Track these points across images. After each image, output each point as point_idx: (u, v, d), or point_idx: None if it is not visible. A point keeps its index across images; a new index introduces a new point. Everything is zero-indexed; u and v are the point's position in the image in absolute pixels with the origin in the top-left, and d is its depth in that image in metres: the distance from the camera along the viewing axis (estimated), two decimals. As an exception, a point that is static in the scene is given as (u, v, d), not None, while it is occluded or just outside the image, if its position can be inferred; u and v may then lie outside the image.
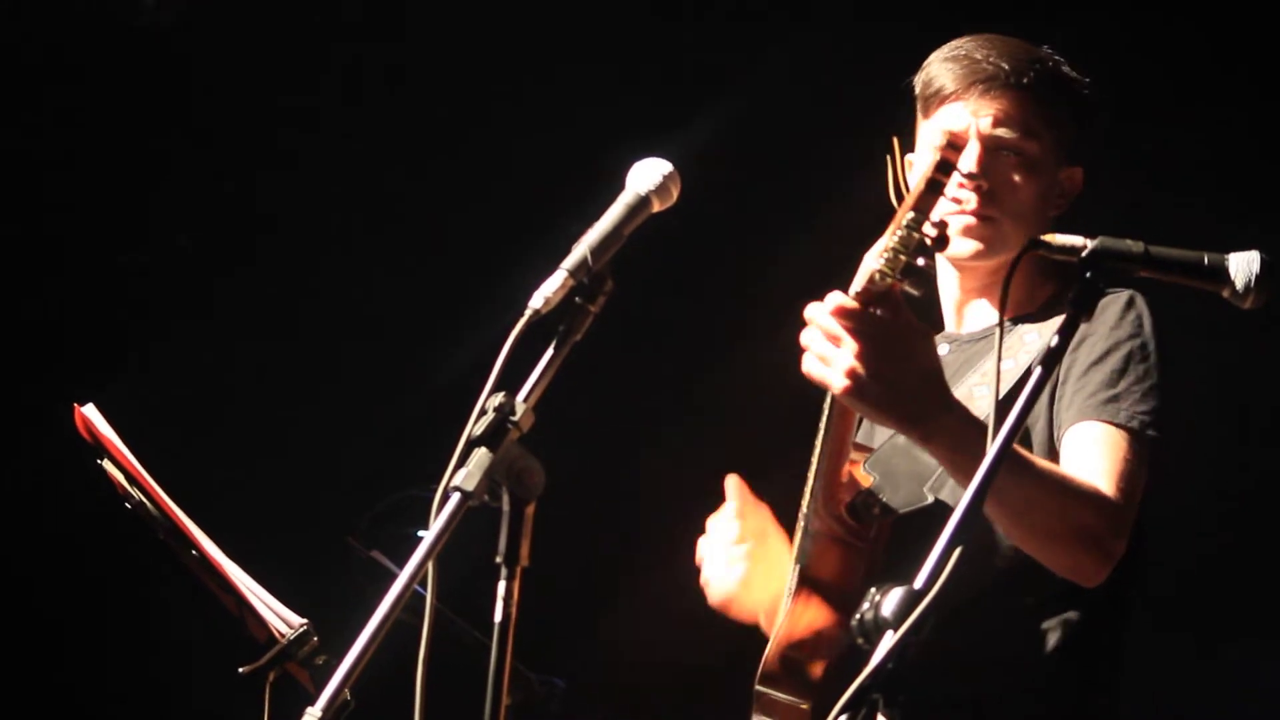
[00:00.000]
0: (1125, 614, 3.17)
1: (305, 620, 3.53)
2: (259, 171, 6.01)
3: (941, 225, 2.58)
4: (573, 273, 2.70)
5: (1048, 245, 2.58)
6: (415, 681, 2.62)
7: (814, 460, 3.07)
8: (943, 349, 3.30)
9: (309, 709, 2.49)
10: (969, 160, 3.15)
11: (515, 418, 2.59)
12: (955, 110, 3.21)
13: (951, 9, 4.02)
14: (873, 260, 2.57)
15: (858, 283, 2.60)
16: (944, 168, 2.60)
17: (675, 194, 2.86)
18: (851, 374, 2.60)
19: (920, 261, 2.54)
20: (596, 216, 2.77)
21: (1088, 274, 2.54)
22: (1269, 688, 5.21)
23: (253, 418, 6.04)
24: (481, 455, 2.57)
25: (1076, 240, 2.57)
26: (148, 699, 5.94)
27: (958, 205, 3.15)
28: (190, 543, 3.52)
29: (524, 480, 2.61)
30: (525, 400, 2.62)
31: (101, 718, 6.06)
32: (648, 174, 2.84)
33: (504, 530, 2.62)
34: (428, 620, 2.62)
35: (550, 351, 2.69)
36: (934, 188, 2.58)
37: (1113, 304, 3.10)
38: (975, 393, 3.11)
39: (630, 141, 3.22)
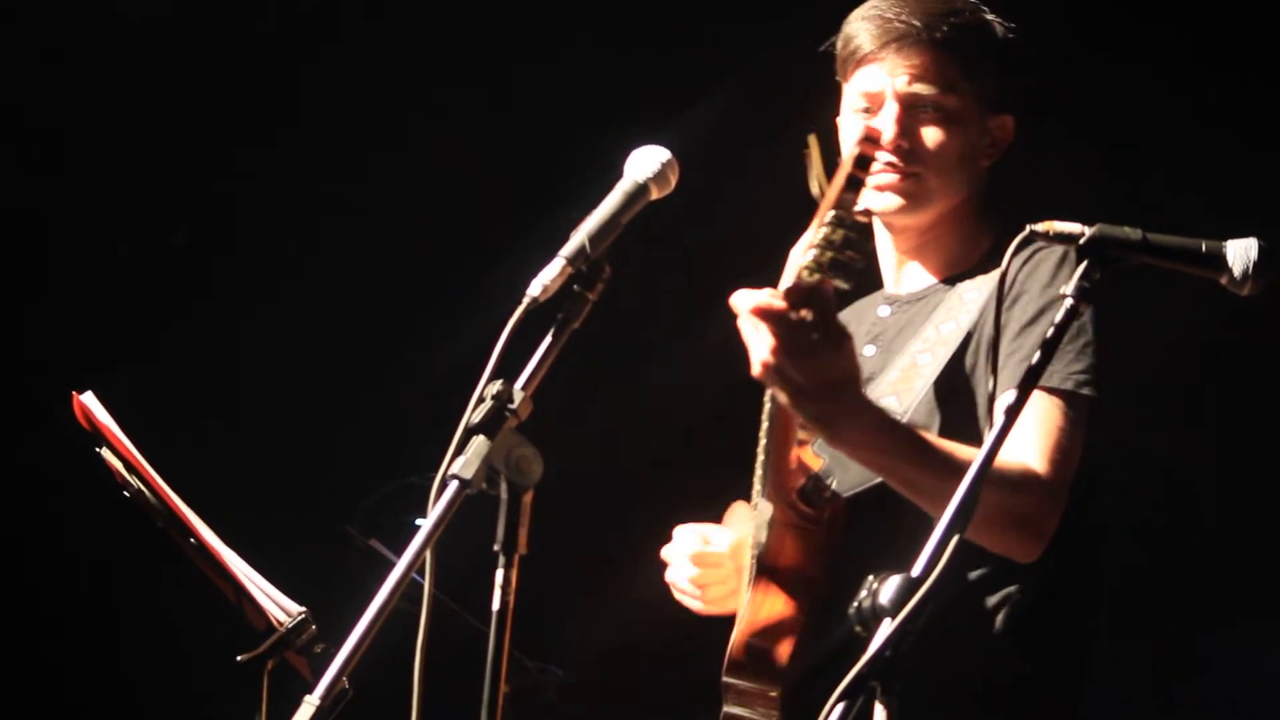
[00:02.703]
0: (1081, 588, 3.14)
1: (303, 608, 3.53)
2: (251, 160, 6.00)
3: (866, 214, 2.58)
4: (571, 260, 2.71)
5: (1044, 233, 2.58)
6: (414, 669, 2.62)
7: (760, 448, 3.06)
8: (884, 310, 3.28)
9: (307, 697, 2.50)
10: (887, 121, 3.14)
11: (513, 405, 2.60)
12: (871, 72, 3.18)
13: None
14: (799, 257, 2.57)
15: (786, 279, 2.59)
16: (862, 163, 2.59)
17: (674, 181, 2.85)
18: (765, 367, 2.62)
19: (847, 255, 2.52)
20: (595, 204, 2.78)
21: (1085, 261, 2.53)
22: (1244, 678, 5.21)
23: (250, 405, 6.04)
24: (480, 443, 2.58)
25: (1074, 227, 2.56)
26: (146, 687, 5.95)
27: (880, 165, 3.13)
28: (189, 531, 3.52)
29: (522, 468, 2.61)
30: (524, 388, 2.62)
31: (100, 705, 6.06)
32: (646, 161, 2.85)
33: (502, 518, 2.62)
34: (425, 608, 2.63)
35: (549, 339, 2.69)
36: (854, 184, 2.57)
37: (1046, 260, 3.07)
38: (919, 360, 3.08)
39: (630, 127, 3.22)
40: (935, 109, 3.16)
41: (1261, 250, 2.55)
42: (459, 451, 2.58)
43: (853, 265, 2.52)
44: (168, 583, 5.07)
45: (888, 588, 2.22)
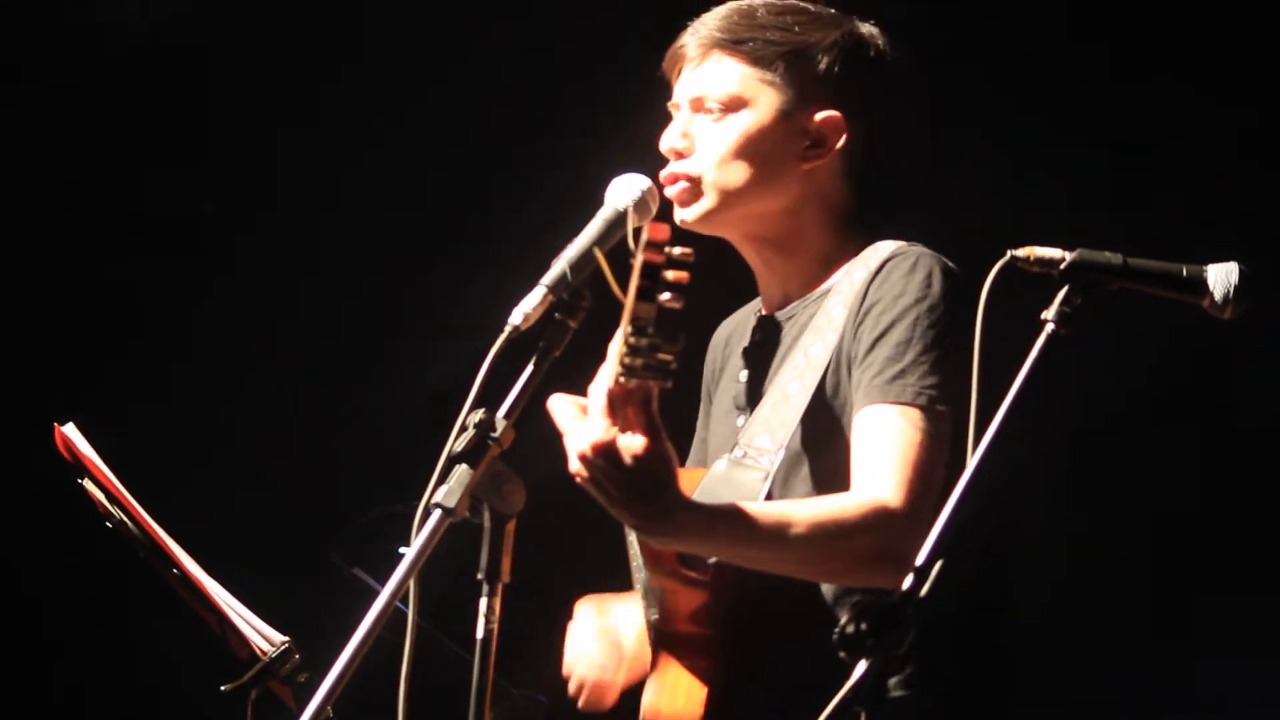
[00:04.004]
0: (995, 604, 3.04)
1: (287, 638, 3.53)
2: (231, 186, 5.99)
3: (675, 300, 2.39)
4: (552, 289, 2.72)
5: (1025, 258, 2.58)
6: (398, 698, 2.62)
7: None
8: (755, 330, 3.20)
9: (292, 727, 2.50)
10: (671, 136, 3.12)
11: (496, 434, 2.61)
12: (676, 86, 3.16)
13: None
14: (613, 363, 2.49)
15: (608, 382, 2.53)
16: (650, 271, 2.39)
17: (654, 209, 2.87)
18: (578, 475, 2.60)
19: (658, 358, 2.41)
20: (575, 232, 2.79)
21: (1066, 287, 2.54)
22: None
23: (233, 436, 6.02)
24: (463, 472, 2.59)
25: (1055, 253, 2.57)
26: (129, 718, 5.93)
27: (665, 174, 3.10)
28: (171, 561, 3.52)
29: (505, 496, 2.62)
30: (506, 417, 2.63)
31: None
32: (626, 189, 2.86)
33: (485, 547, 2.62)
34: (410, 637, 2.63)
35: (530, 368, 2.70)
36: (647, 295, 2.39)
37: (898, 267, 2.96)
38: (789, 390, 2.99)
39: (610, 155, 3.23)
40: (720, 108, 3.09)
41: (1242, 275, 2.57)
42: (442, 480, 2.59)
43: (668, 366, 2.42)
44: (150, 614, 5.05)
45: (871, 614, 2.23)
